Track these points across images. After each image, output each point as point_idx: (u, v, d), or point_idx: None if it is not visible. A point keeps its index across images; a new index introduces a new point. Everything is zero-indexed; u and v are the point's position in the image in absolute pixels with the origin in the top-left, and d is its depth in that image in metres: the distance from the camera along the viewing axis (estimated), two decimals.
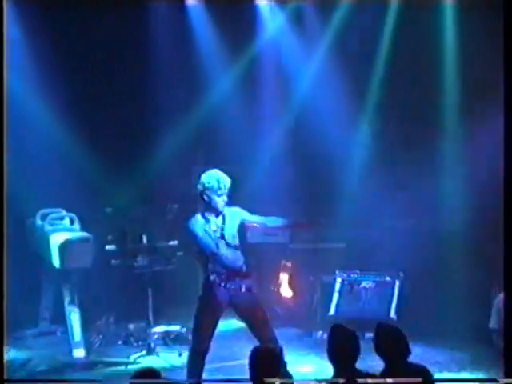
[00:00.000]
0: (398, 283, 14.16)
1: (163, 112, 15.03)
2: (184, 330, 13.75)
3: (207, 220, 10.50)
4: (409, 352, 8.05)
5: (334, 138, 14.89)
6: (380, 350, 8.05)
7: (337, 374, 7.74)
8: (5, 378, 5.23)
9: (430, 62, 14.70)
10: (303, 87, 15.42)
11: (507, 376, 5.79)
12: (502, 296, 12.62)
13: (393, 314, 13.88)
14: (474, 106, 14.27)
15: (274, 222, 10.94)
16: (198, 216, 10.58)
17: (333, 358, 7.80)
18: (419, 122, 14.58)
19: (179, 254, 14.16)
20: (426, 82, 14.72)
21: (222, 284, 10.47)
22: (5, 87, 5.31)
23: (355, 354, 7.80)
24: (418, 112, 14.61)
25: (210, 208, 10.50)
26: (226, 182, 10.49)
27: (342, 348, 7.83)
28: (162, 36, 14.64)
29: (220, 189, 10.44)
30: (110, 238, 13.92)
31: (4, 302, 5.41)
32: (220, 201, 10.45)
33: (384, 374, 7.91)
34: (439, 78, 14.81)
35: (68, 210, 13.73)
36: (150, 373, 7.40)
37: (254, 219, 10.77)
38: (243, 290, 10.54)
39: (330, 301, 14.28)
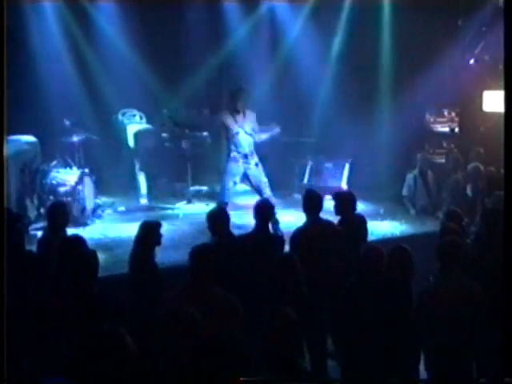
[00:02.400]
0: (347, 165, 14.50)
1: (204, 48, 15.09)
2: (210, 189, 14.29)
3: (233, 116, 11.21)
4: (355, 206, 8.69)
5: (311, 70, 15.07)
6: (338, 208, 8.60)
7: (308, 221, 8.29)
8: (5, 377, 4.92)
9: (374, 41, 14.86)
10: (291, 36, 15.40)
11: (507, 374, 4.89)
12: (411, 174, 13.06)
13: (343, 184, 14.30)
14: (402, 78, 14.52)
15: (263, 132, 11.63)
16: (227, 112, 11.38)
17: (306, 210, 8.31)
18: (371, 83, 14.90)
19: (208, 141, 14.62)
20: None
21: (239, 159, 11.30)
22: (5, 81, 4.98)
23: (320, 207, 8.26)
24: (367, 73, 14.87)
25: (235, 109, 11.27)
26: (245, 91, 11.33)
27: (312, 202, 8.33)
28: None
29: (241, 96, 11.24)
30: (164, 128, 14.25)
31: (4, 300, 4.90)
32: (241, 105, 11.23)
33: (341, 222, 8.51)
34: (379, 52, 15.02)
35: (138, 110, 14.15)
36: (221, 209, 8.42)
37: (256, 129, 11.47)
38: (253, 164, 11.38)
39: (304, 174, 14.77)
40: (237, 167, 11.36)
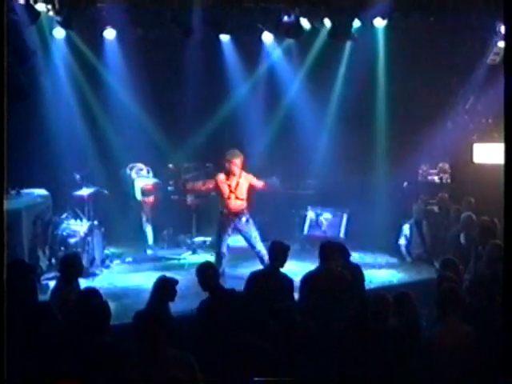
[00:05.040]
0: (345, 216, 14.36)
1: (206, 106, 15.20)
2: (214, 240, 13.45)
3: (229, 179, 11.34)
4: (349, 255, 8.81)
5: (309, 125, 15.19)
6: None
7: (319, 267, 8.44)
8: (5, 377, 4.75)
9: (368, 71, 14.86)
10: (290, 93, 15.49)
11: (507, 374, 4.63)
12: (407, 224, 13.15)
13: (342, 235, 14.15)
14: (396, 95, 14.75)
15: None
16: (223, 176, 11.45)
17: (319, 258, 8.45)
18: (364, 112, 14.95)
19: (212, 194, 14.27)
20: (366, 82, 14.88)
21: (230, 217, 11.39)
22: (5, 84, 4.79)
23: (331, 256, 8.32)
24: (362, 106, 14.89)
25: (232, 172, 11.36)
26: (241, 157, 11.35)
27: (324, 251, 8.46)
28: (209, 56, 14.78)
29: (236, 162, 11.31)
30: (170, 182, 14.33)
31: (4, 302, 4.72)
32: (235, 168, 11.30)
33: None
34: (374, 83, 15.05)
35: (145, 164, 13.93)
36: (209, 264, 8.12)
37: (256, 183, 11.55)
38: (243, 221, 11.42)
39: (304, 225, 14.60)
40: (228, 222, 11.46)
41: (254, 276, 8.37)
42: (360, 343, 6.52)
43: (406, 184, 14.86)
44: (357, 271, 8.76)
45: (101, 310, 6.35)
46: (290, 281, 8.40)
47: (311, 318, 6.85)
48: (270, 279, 8.25)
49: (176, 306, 8.91)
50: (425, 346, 6.55)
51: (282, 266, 8.51)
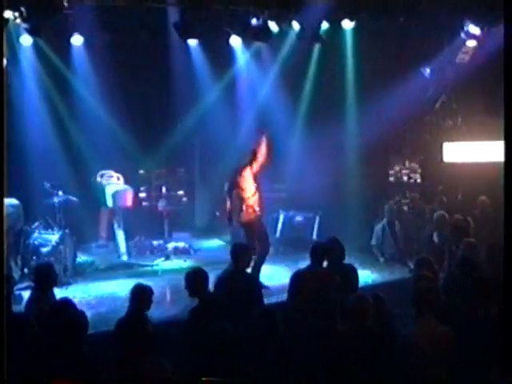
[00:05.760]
0: (317, 218, 14.43)
1: (175, 110, 15.22)
2: (186, 245, 14.16)
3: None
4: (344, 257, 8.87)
5: (280, 128, 14.85)
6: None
7: (310, 265, 8.56)
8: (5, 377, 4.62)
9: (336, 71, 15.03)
10: (260, 96, 15.52)
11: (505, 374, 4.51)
12: (380, 225, 13.14)
13: (314, 237, 14.12)
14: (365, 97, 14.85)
15: None
16: (247, 169, 11.10)
17: (311, 257, 8.55)
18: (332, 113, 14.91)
19: (184, 199, 14.74)
20: (336, 84, 15.06)
21: (259, 211, 11.16)
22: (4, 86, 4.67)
23: (321, 256, 8.60)
24: (331, 107, 14.94)
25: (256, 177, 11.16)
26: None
27: (314, 251, 8.64)
28: (178, 61, 14.71)
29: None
30: (142, 188, 14.44)
31: (4, 302, 4.70)
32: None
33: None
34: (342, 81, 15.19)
35: (116, 171, 13.95)
36: (200, 270, 7.93)
37: None
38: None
39: (276, 228, 14.56)
40: (259, 217, 11.19)
41: (220, 279, 8.34)
42: (340, 343, 6.57)
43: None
44: (350, 272, 8.79)
45: (77, 319, 6.34)
46: (256, 281, 8.47)
47: (299, 315, 6.98)
48: (235, 281, 8.24)
49: (151, 313, 8.94)
50: (401, 346, 6.61)
51: (247, 267, 8.55)
